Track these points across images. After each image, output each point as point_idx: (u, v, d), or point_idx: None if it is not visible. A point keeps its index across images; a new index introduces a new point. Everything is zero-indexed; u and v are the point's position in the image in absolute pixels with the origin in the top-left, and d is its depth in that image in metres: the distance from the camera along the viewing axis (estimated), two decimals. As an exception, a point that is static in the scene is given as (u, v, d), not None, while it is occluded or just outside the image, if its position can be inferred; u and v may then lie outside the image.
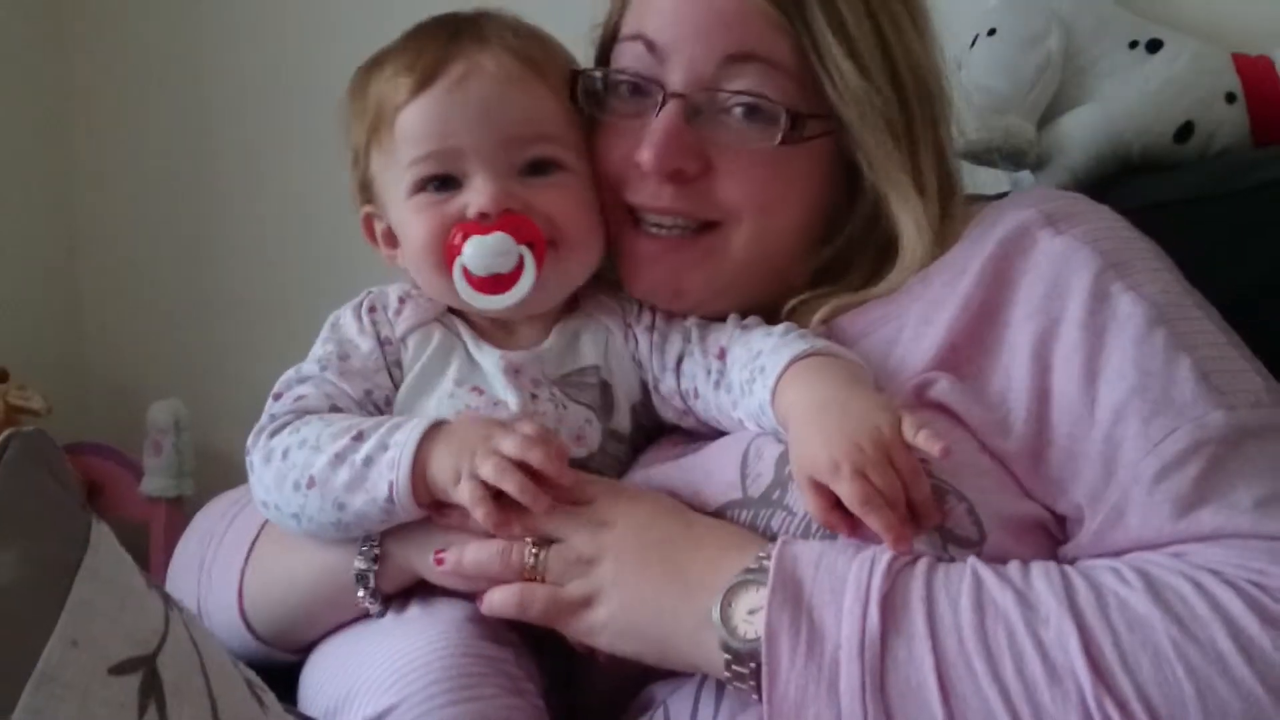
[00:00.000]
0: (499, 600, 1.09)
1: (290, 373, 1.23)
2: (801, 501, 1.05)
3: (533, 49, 1.21)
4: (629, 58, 1.23)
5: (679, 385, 1.22)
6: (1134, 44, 1.58)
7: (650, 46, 1.21)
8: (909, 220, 1.20)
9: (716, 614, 1.00)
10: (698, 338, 1.22)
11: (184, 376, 2.69)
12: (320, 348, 1.22)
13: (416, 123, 1.18)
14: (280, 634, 1.24)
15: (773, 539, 1.04)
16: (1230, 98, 1.53)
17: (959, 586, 0.96)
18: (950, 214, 1.23)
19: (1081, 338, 1.06)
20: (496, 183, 1.16)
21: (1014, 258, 1.13)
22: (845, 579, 0.97)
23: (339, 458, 1.10)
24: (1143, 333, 1.05)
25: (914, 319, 1.16)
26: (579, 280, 1.25)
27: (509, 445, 1.06)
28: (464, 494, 1.06)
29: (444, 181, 1.18)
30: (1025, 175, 1.65)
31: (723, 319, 1.24)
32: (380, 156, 1.22)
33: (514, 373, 1.19)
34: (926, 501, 1.01)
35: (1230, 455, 0.99)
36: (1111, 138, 1.55)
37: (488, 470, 1.05)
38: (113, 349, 2.84)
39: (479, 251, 1.15)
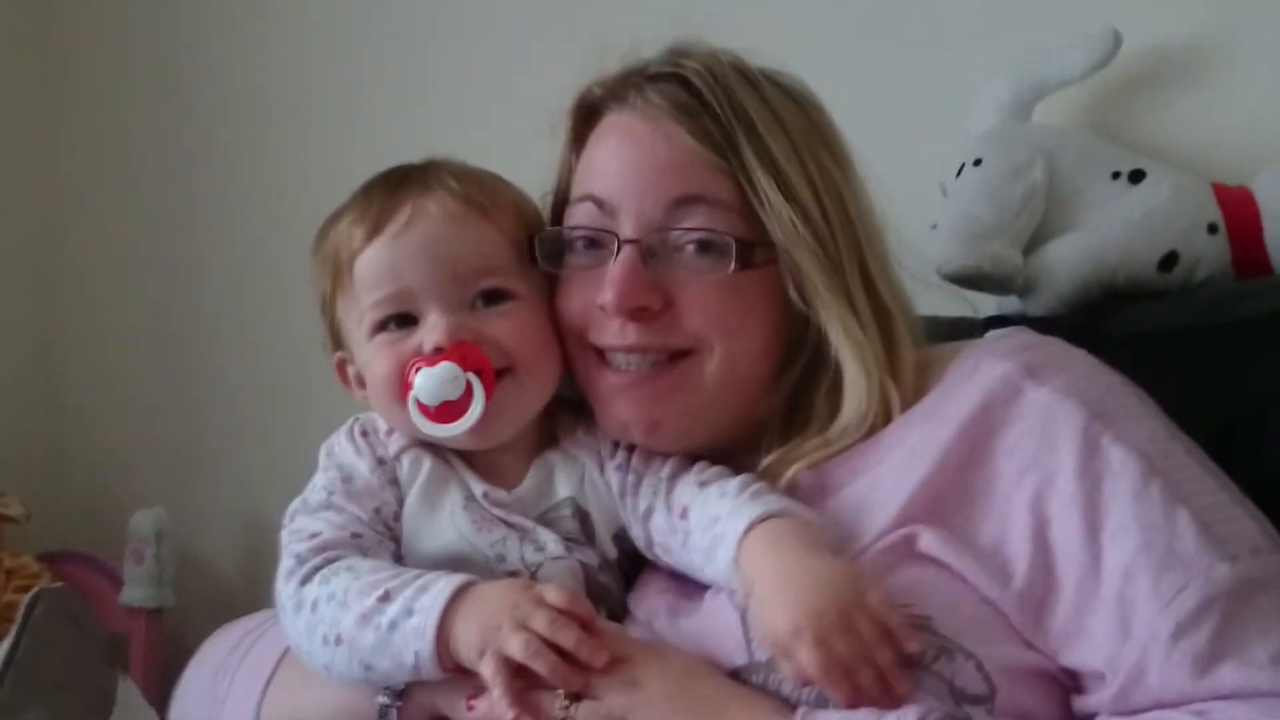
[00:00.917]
0: None
1: (297, 503, 1.26)
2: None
3: (473, 190, 1.27)
4: (580, 215, 1.29)
5: (650, 538, 1.25)
6: (1116, 174, 1.62)
7: (600, 204, 1.27)
8: (847, 351, 1.23)
9: None
10: (664, 492, 1.25)
11: (166, 485, 2.69)
12: (321, 476, 1.26)
13: (371, 268, 1.25)
14: None
15: (789, 703, 1.06)
16: (1212, 228, 1.56)
17: None
18: (897, 346, 1.26)
19: (1078, 489, 1.08)
20: (448, 317, 1.22)
21: (998, 410, 1.15)
22: None
23: (365, 619, 1.11)
24: (1139, 486, 1.07)
25: (891, 470, 1.18)
26: (537, 406, 1.28)
27: (539, 622, 1.06)
28: (487, 670, 1.07)
29: (402, 320, 1.24)
30: (1011, 300, 1.67)
31: (696, 458, 1.27)
32: (344, 303, 1.28)
33: (498, 508, 1.23)
34: (893, 667, 1.02)
35: (1241, 609, 1.01)
36: (1097, 265, 1.58)
37: (516, 648, 1.05)
38: (94, 456, 2.84)
39: (428, 382, 1.19)
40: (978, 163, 1.66)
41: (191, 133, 2.71)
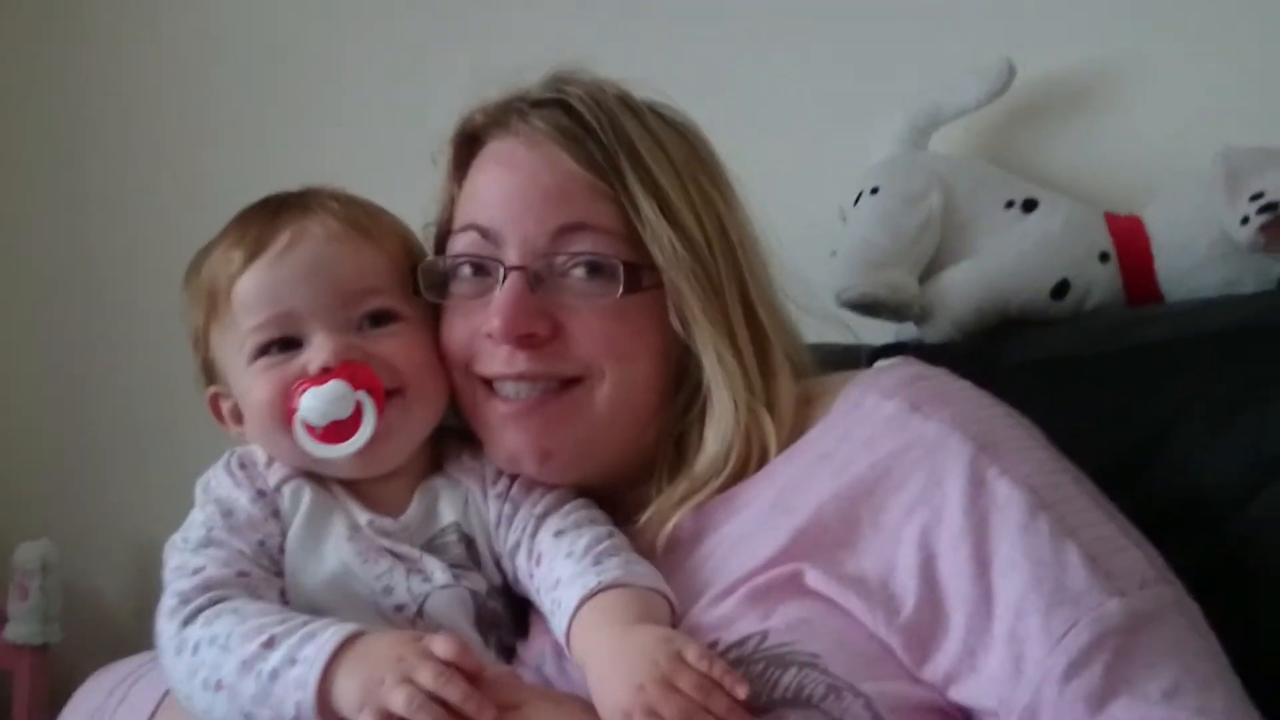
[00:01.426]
0: None
1: (176, 539, 1.21)
2: None
3: (356, 213, 1.28)
4: (463, 244, 1.28)
5: (516, 574, 1.24)
6: (1010, 203, 1.63)
7: (484, 233, 1.26)
8: (719, 380, 1.23)
9: None
10: (531, 531, 1.23)
11: (53, 515, 2.63)
12: (200, 513, 1.22)
13: (250, 291, 1.22)
14: None
15: None
16: (1104, 257, 1.58)
17: None
18: (775, 376, 1.26)
19: (966, 525, 1.08)
20: (335, 337, 1.21)
21: (883, 444, 1.15)
22: None
23: (247, 665, 1.07)
24: (1025, 520, 1.07)
25: (772, 505, 1.18)
26: (425, 429, 1.27)
27: (425, 676, 1.02)
28: None
29: (285, 344, 1.22)
30: (908, 326, 1.68)
31: (583, 492, 1.27)
32: (220, 332, 1.26)
33: (385, 537, 1.21)
34: (732, 712, 1.01)
35: (1131, 644, 1.01)
36: (990, 293, 1.59)
37: (399, 703, 1.01)
38: (-25, 488, 2.76)
39: (316, 401, 1.17)
40: (875, 191, 1.67)
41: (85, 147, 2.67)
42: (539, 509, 1.24)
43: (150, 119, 2.60)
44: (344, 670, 1.05)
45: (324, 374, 1.19)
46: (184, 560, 1.18)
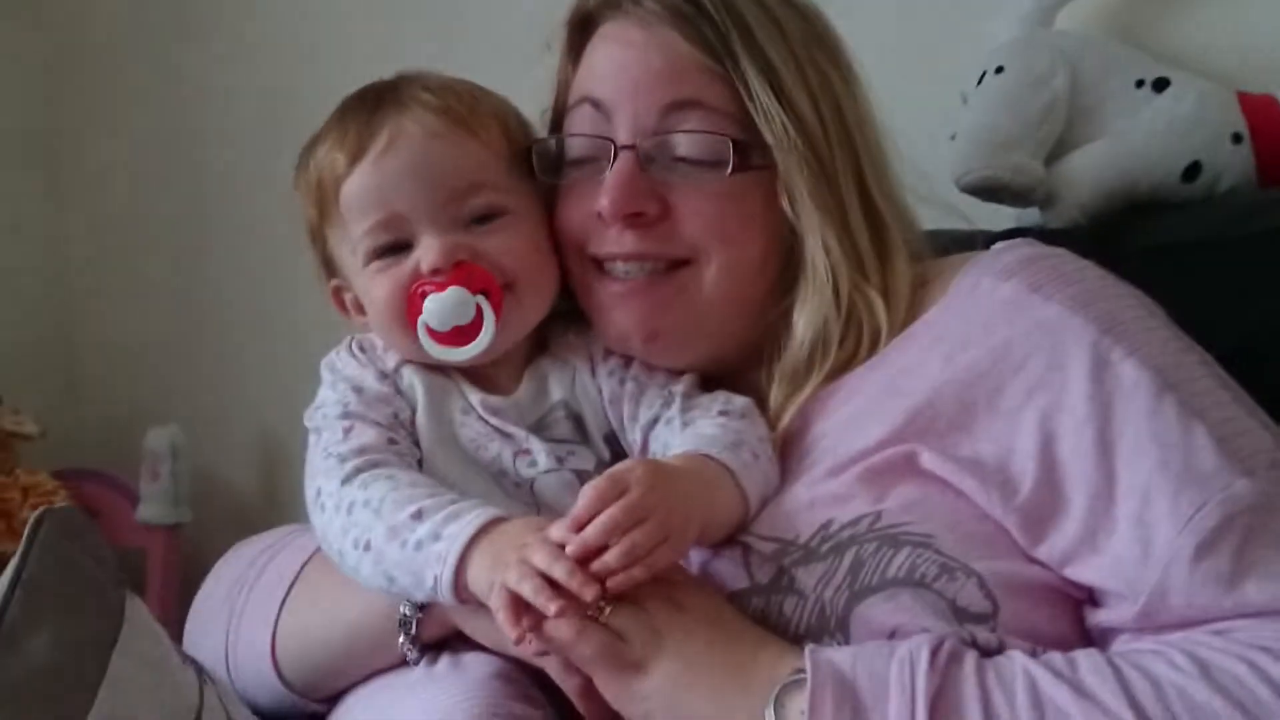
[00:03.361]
0: (556, 630, 1.03)
1: (314, 417, 1.24)
2: (810, 584, 1.06)
3: (452, 102, 1.25)
4: (577, 121, 1.29)
5: (647, 446, 1.24)
6: (1140, 83, 1.58)
7: (596, 105, 1.26)
8: (819, 262, 1.22)
9: (771, 713, 0.99)
10: (680, 409, 1.23)
11: (180, 402, 2.69)
12: (331, 392, 1.25)
13: (356, 196, 1.23)
14: (312, 682, 1.25)
15: (789, 628, 1.06)
16: (1236, 138, 1.53)
17: (1013, 685, 0.95)
18: (891, 258, 1.25)
19: (1090, 410, 1.06)
20: (443, 237, 1.21)
21: (1001, 327, 1.13)
22: (886, 681, 0.97)
23: (394, 533, 1.10)
24: (1152, 403, 1.05)
25: (880, 388, 1.17)
26: (536, 319, 1.28)
27: (538, 556, 1.02)
28: (493, 602, 1.04)
29: (396, 247, 1.23)
30: (1032, 211, 1.65)
31: (691, 370, 1.27)
32: (334, 231, 1.27)
33: (496, 415, 1.23)
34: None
35: (1263, 525, 0.99)
36: (1119, 176, 1.56)
37: (512, 579, 1.02)
38: (108, 374, 2.84)
39: (438, 308, 1.19)
40: (999, 70, 1.62)
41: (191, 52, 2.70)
42: (680, 387, 1.25)
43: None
44: (479, 552, 1.07)
45: (435, 274, 1.20)
46: (331, 426, 1.20)
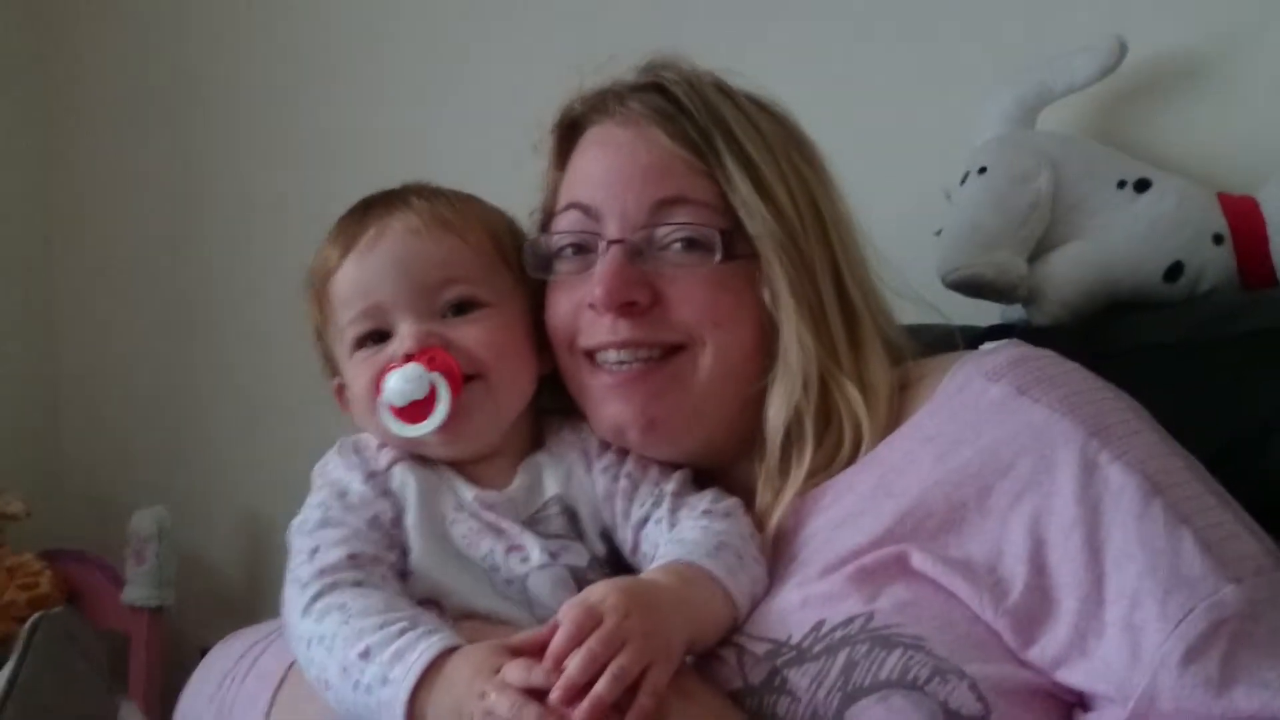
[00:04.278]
0: None
1: (295, 524, 1.25)
2: (803, 685, 1.07)
3: (439, 207, 1.31)
4: (566, 224, 1.32)
5: (639, 546, 1.26)
6: (1122, 183, 1.61)
7: (585, 210, 1.30)
8: (793, 354, 1.24)
9: None
10: (669, 509, 1.25)
11: (167, 483, 2.69)
12: (316, 496, 1.27)
13: (344, 286, 1.29)
14: None
15: None
16: (1218, 239, 1.56)
17: None
18: (862, 349, 1.27)
19: (1079, 514, 1.07)
20: (417, 325, 1.26)
21: (990, 429, 1.15)
22: None
23: (346, 673, 1.10)
24: (1140, 506, 1.06)
25: (870, 488, 1.19)
26: (509, 411, 1.30)
27: (502, 708, 1.01)
28: None
29: (378, 336, 1.28)
30: (1014, 309, 1.67)
31: (685, 463, 1.29)
32: (330, 328, 1.33)
33: (489, 510, 1.24)
34: None
35: (1250, 631, 1.01)
36: (1102, 275, 1.58)
37: (504, 708, 1.01)
38: (94, 454, 2.84)
39: (394, 384, 1.23)
40: (982, 170, 1.66)
41: (197, 126, 2.72)
42: (669, 487, 1.26)
43: (258, 95, 2.64)
44: (433, 696, 1.05)
45: (406, 360, 1.24)
46: (301, 544, 1.22)
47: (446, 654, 1.07)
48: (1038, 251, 1.63)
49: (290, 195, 2.53)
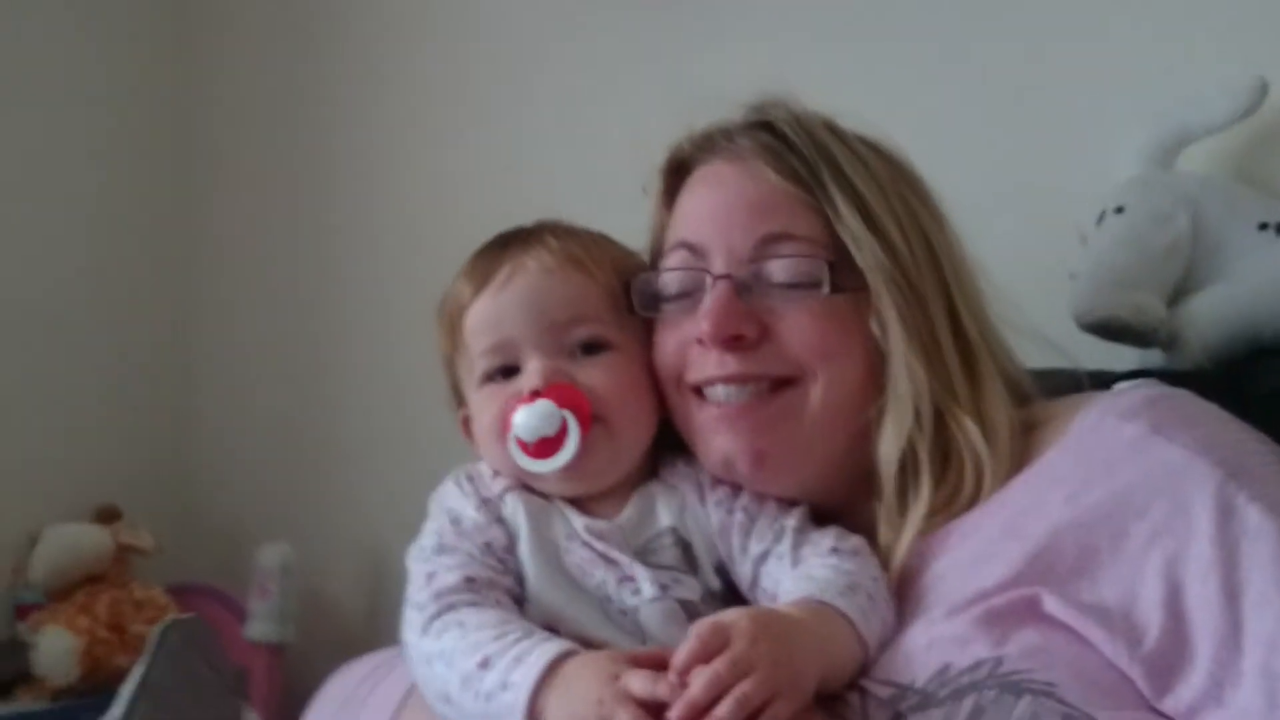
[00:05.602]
0: None
1: (413, 551, 1.26)
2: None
3: (572, 246, 1.32)
4: (674, 262, 1.32)
5: (758, 581, 1.24)
6: (1264, 225, 1.57)
7: (692, 249, 1.30)
8: (902, 388, 1.22)
9: None
10: (792, 544, 1.23)
11: (293, 519, 2.72)
12: (432, 523, 1.28)
13: (477, 321, 1.31)
14: None
15: None
16: (1364, 282, 1.51)
17: None
18: (986, 394, 1.24)
19: (1216, 556, 1.04)
20: (545, 362, 1.27)
21: (1124, 469, 1.11)
22: None
23: (467, 683, 1.11)
24: (1278, 549, 1.02)
25: (998, 530, 1.15)
26: (631, 455, 1.30)
27: (638, 684, 1.02)
28: None
29: (507, 371, 1.29)
30: (1153, 354, 1.63)
31: (799, 498, 1.26)
32: (460, 359, 1.34)
33: (600, 540, 1.24)
34: None
35: None
36: (1243, 319, 1.54)
37: (622, 718, 1.01)
38: (223, 490, 2.89)
39: (525, 418, 1.24)
40: (1120, 210, 1.62)
41: (333, 158, 2.78)
42: (792, 522, 1.24)
43: (397, 127, 2.70)
44: (552, 699, 1.05)
45: (534, 396, 1.24)
46: (418, 570, 1.23)
47: (565, 657, 1.07)
48: (1176, 295, 1.60)
49: (423, 230, 2.57)
